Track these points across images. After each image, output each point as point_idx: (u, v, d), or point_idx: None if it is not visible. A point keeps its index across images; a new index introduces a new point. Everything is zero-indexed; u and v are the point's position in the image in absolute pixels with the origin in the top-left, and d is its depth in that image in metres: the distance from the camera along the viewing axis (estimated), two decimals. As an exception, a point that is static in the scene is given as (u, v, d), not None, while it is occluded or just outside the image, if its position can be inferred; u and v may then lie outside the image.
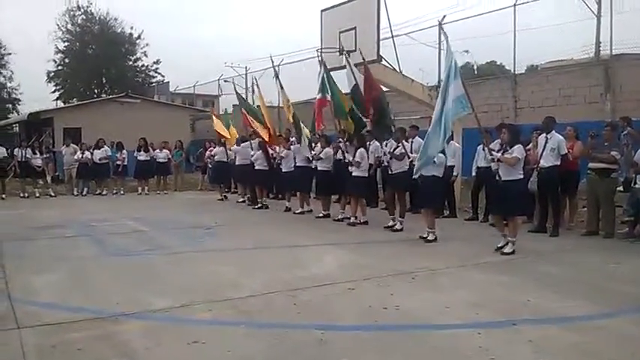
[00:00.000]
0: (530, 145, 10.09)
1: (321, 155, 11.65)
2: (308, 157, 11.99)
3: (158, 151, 18.27)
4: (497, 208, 8.30)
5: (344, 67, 12.25)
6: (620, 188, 9.58)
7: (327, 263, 7.52)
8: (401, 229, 9.99)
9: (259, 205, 13.73)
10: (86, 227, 10.85)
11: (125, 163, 18.04)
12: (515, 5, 16.06)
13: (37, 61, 62.15)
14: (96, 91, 37.95)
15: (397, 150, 9.99)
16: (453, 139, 11.35)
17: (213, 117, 16.84)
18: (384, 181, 10.82)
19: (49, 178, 17.88)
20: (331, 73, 12.00)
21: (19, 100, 38.21)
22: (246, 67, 24.98)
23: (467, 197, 11.92)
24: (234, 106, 15.22)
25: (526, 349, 4.35)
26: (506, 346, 4.45)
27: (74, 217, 12.36)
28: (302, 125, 12.32)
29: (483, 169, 10.18)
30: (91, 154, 17.40)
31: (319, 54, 13.19)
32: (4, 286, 6.30)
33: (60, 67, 38.48)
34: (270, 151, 13.42)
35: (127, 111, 24.51)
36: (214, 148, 16.62)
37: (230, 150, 15.05)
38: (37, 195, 16.72)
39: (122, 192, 17.86)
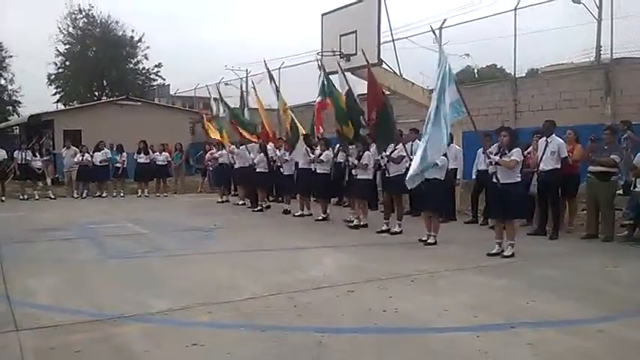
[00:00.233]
0: (531, 148, 10.11)
1: (321, 158, 11.66)
2: (309, 160, 11.96)
3: (158, 153, 18.28)
4: (496, 211, 8.27)
5: (346, 71, 12.25)
6: (620, 191, 9.61)
7: (326, 266, 7.52)
8: (400, 232, 9.99)
9: (259, 208, 13.73)
10: (86, 229, 10.85)
11: (125, 166, 18.05)
12: (515, 9, 16.08)
13: (38, 63, 62.25)
14: (96, 93, 37.97)
15: (395, 153, 10.00)
16: (453, 142, 11.37)
17: (204, 119, 16.75)
18: (382, 184, 10.80)
19: (48, 181, 17.92)
20: (332, 76, 11.96)
21: (20, 103, 38.27)
22: (246, 70, 25.01)
23: (466, 200, 11.92)
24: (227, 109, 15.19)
25: (525, 352, 4.35)
26: (505, 349, 4.45)
27: (74, 219, 12.37)
28: (299, 130, 12.25)
29: (483, 172, 10.16)
30: (91, 156, 17.40)
31: (319, 57, 13.19)
32: (3, 288, 6.29)
33: (61, 70, 38.51)
34: (270, 154, 13.42)
35: (127, 113, 24.54)
36: (214, 150, 16.60)
37: (230, 152, 15.01)
38: (37, 197, 16.72)
39: (122, 194, 17.87)
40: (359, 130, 10.87)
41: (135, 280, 6.75)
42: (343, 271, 7.22)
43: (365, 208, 10.86)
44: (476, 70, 25.68)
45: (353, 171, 10.70)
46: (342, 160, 12.45)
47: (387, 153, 10.08)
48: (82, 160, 17.29)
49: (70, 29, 37.77)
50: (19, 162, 16.57)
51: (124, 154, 18.05)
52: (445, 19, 16.21)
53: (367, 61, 10.83)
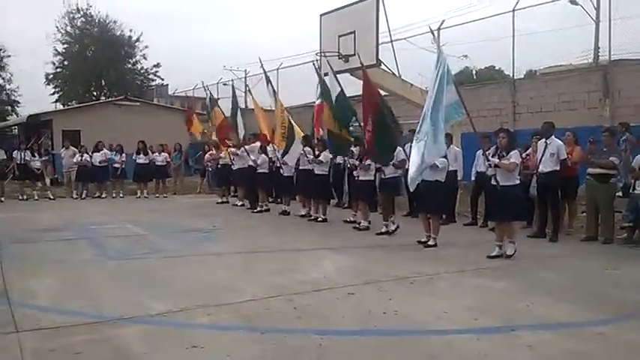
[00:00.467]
0: (530, 150, 10.12)
1: (320, 159, 11.65)
2: (308, 161, 11.94)
3: (157, 154, 18.26)
4: (496, 213, 8.26)
5: (343, 72, 12.26)
6: (620, 194, 9.62)
7: (326, 268, 7.52)
8: (386, 232, 10.02)
9: (259, 209, 13.73)
10: (85, 230, 10.85)
11: (123, 167, 18.04)
12: (514, 10, 16.10)
13: (36, 63, 62.17)
14: (95, 93, 37.93)
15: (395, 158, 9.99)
16: (452, 144, 11.39)
17: (194, 117, 16.70)
18: (379, 185, 10.77)
19: (47, 181, 17.90)
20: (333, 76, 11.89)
21: (19, 103, 38.21)
22: (245, 71, 24.99)
23: (466, 202, 11.93)
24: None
25: (525, 354, 4.36)
26: (505, 351, 4.46)
27: (73, 220, 12.36)
28: (295, 132, 12.23)
29: (482, 174, 10.17)
30: (90, 156, 17.38)
31: (317, 58, 13.19)
32: (3, 289, 6.29)
33: (59, 70, 38.47)
34: (270, 155, 13.42)
35: (126, 114, 24.53)
36: (214, 151, 16.56)
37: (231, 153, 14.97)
38: (36, 198, 16.71)
39: (121, 195, 17.85)
40: (348, 132, 10.79)
41: (134, 282, 6.75)
42: (343, 273, 7.21)
43: (365, 210, 10.83)
44: (474, 72, 25.74)
45: (354, 172, 10.69)
46: (341, 162, 12.48)
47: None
48: (81, 160, 17.27)
49: (68, 29, 37.77)
50: (18, 162, 16.55)
51: (123, 154, 18.02)
52: (443, 21, 16.28)
53: (362, 63, 10.77)
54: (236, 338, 4.79)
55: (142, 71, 39.36)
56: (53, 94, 39.10)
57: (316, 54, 13.97)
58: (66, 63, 38.24)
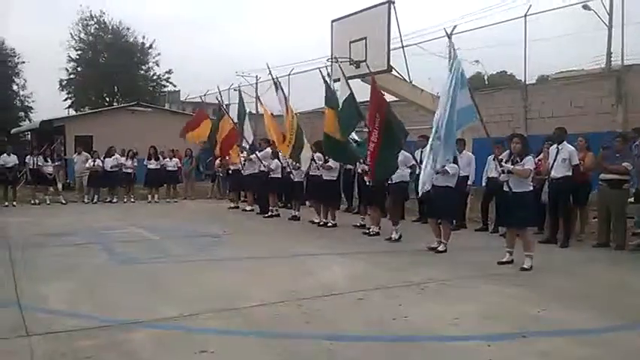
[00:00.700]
0: (541, 155, 10.06)
1: (329, 164, 11.65)
2: (317, 167, 11.94)
3: (168, 159, 18.38)
4: (510, 220, 8.09)
5: (354, 77, 12.24)
6: (632, 199, 9.52)
7: (335, 273, 7.51)
8: (388, 239, 10.00)
9: (270, 214, 13.75)
10: (96, 235, 10.90)
11: (134, 171, 18.15)
12: (525, 16, 16.02)
13: (49, 69, 62.68)
14: (107, 99, 38.18)
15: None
16: (465, 149, 11.36)
17: (203, 122, 16.58)
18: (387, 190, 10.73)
19: (60, 186, 18.00)
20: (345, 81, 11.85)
21: (32, 109, 38.53)
22: (256, 77, 25.07)
23: (477, 207, 11.87)
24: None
25: (536, 361, 4.32)
26: (517, 358, 4.43)
27: (84, 224, 12.43)
28: (304, 139, 12.20)
29: (494, 180, 10.14)
30: (102, 162, 17.51)
31: (328, 64, 13.20)
32: (15, 293, 6.33)
33: (72, 76, 38.78)
34: (281, 160, 13.43)
35: (138, 119, 24.66)
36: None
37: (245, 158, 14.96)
38: (48, 202, 16.83)
39: (132, 200, 17.95)
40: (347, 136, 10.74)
41: (145, 286, 6.77)
42: (352, 278, 7.20)
43: (375, 215, 10.79)
44: (486, 77, 25.65)
45: (365, 178, 10.66)
46: (351, 167, 12.46)
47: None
48: (93, 165, 17.42)
49: (82, 35, 38.05)
50: (31, 167, 16.76)
51: (135, 159, 18.13)
52: (455, 26, 16.20)
53: (369, 69, 10.74)
54: (246, 343, 4.79)
55: (154, 77, 39.61)
56: (66, 99, 39.43)
57: (327, 60, 13.98)
58: (79, 69, 38.55)
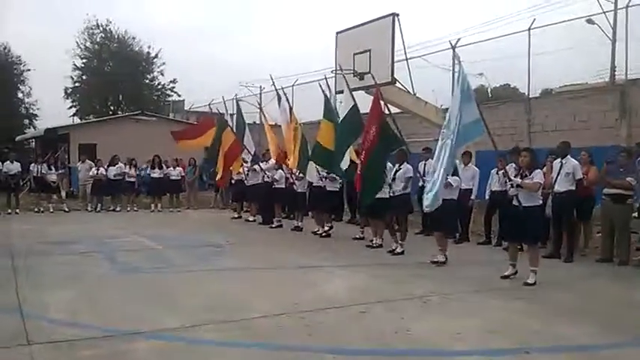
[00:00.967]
0: (545, 169, 10.04)
1: (333, 175, 11.65)
2: (320, 178, 11.95)
3: (171, 168, 18.42)
4: (515, 234, 7.97)
5: (359, 89, 12.29)
6: (635, 214, 9.49)
7: (338, 285, 7.48)
8: (402, 253, 9.90)
9: (276, 225, 13.76)
10: (99, 243, 10.89)
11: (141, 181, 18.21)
12: (529, 29, 16.06)
13: (55, 77, 62.94)
14: (112, 108, 38.29)
15: (400, 173, 9.97)
16: (471, 161, 11.37)
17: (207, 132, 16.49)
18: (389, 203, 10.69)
19: (63, 194, 18.06)
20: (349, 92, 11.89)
21: (37, 116, 38.60)
22: (260, 87, 25.12)
23: (479, 221, 11.85)
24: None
25: (539, 378, 4.30)
26: (519, 374, 4.40)
27: (87, 233, 12.43)
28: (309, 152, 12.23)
29: (497, 193, 10.14)
30: (106, 170, 17.55)
31: (331, 76, 13.26)
32: (17, 301, 6.33)
33: (77, 84, 38.93)
34: (286, 171, 13.45)
35: (142, 128, 24.71)
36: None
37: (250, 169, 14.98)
38: (51, 210, 16.87)
39: (135, 209, 17.97)
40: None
41: (147, 296, 6.76)
42: (355, 290, 7.18)
43: (377, 228, 10.76)
44: (489, 90, 25.65)
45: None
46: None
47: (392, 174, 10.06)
48: (97, 174, 17.46)
49: (88, 44, 38.23)
50: (35, 175, 16.82)
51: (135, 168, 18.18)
52: (459, 39, 16.31)
53: (375, 81, 10.77)
54: (248, 355, 4.78)
55: (159, 87, 39.76)
56: (71, 107, 39.56)
57: (332, 71, 14.04)
58: (84, 77, 38.71)
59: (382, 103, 10.15)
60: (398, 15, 12.45)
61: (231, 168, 15.08)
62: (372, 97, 10.61)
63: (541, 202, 7.80)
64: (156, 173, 18.05)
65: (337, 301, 6.55)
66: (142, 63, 38.26)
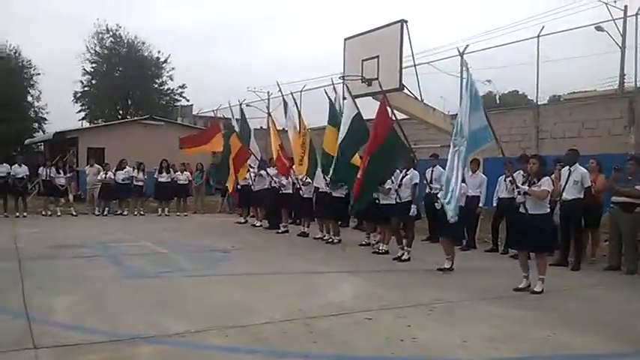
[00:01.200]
0: (553, 176, 9.99)
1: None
2: (326, 183, 11.94)
3: (179, 173, 18.48)
4: (523, 242, 7.81)
5: (367, 95, 12.29)
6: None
7: (344, 292, 7.47)
8: (408, 259, 9.87)
9: (282, 230, 13.77)
10: (106, 247, 10.93)
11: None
12: (538, 36, 16.05)
13: (64, 81, 63.34)
14: (121, 112, 38.49)
15: (406, 179, 9.98)
16: (479, 169, 11.35)
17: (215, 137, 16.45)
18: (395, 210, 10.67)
19: (71, 197, 18.14)
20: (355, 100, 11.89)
21: (46, 120, 38.86)
22: (268, 92, 25.16)
23: (487, 228, 11.80)
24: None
25: (545, 387, 4.26)
26: (525, 383, 4.37)
27: (94, 236, 12.47)
28: (317, 156, 12.22)
29: (504, 200, 10.10)
30: (114, 174, 17.62)
31: (339, 82, 13.25)
32: (23, 305, 6.35)
33: (87, 88, 39.18)
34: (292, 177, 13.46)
35: (151, 133, 24.82)
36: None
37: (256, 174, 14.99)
38: (59, 214, 16.94)
39: (142, 213, 18.02)
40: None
41: (152, 301, 6.76)
42: (360, 297, 7.16)
43: (385, 234, 10.74)
44: (497, 97, 25.63)
45: (374, 194, 10.61)
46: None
47: (398, 181, 10.07)
48: (105, 178, 17.53)
49: (97, 48, 38.49)
50: (43, 178, 16.91)
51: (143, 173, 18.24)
52: (467, 45, 16.30)
53: (381, 87, 10.75)
54: (252, 361, 4.76)
55: (167, 91, 39.94)
56: (80, 111, 39.84)
57: (339, 77, 14.04)
58: (94, 82, 38.95)
59: (389, 109, 10.12)
60: (407, 22, 12.44)
61: (237, 174, 15.11)
62: (379, 103, 10.61)
63: (549, 209, 7.70)
64: (163, 177, 18.11)
65: (343, 307, 6.53)
66: (151, 68, 38.48)
